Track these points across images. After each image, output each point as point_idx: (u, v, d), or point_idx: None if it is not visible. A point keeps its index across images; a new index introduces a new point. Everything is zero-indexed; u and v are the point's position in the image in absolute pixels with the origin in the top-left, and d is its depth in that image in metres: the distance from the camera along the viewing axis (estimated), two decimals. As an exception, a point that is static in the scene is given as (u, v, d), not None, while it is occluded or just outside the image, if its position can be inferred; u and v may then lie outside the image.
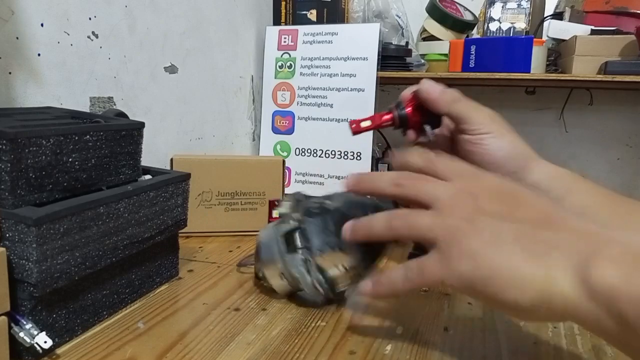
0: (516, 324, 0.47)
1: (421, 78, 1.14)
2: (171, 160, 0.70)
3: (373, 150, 1.05)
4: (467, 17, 1.17)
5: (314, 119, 1.08)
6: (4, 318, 0.35)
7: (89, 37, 0.66)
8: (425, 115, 0.46)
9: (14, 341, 0.36)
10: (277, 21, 1.17)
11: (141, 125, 0.50)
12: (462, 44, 1.04)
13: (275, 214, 0.47)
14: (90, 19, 0.66)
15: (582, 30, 1.03)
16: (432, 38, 1.17)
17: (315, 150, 1.08)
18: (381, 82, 1.03)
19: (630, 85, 0.97)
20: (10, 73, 0.55)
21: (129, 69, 0.74)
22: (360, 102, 1.03)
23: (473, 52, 1.03)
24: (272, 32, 1.11)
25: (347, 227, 0.40)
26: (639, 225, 0.43)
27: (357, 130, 0.50)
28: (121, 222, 0.44)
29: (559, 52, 1.13)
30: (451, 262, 0.33)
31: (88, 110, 0.66)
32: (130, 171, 0.49)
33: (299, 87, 1.09)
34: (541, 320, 0.34)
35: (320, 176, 1.07)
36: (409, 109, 0.47)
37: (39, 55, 0.59)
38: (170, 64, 0.84)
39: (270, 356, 0.40)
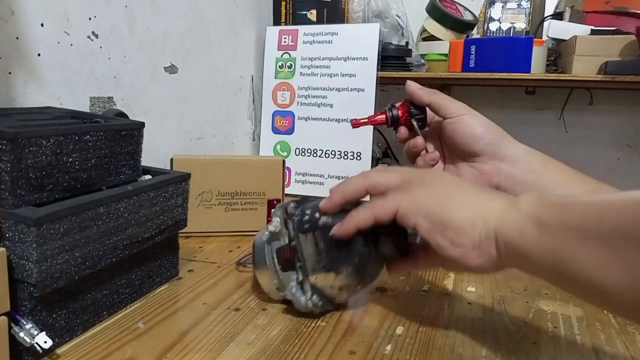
0: (516, 324, 0.47)
1: (421, 78, 1.13)
2: (171, 160, 0.70)
3: (373, 150, 1.05)
4: (467, 17, 1.17)
5: (314, 119, 1.08)
6: (4, 318, 0.35)
7: (89, 37, 0.66)
8: (413, 113, 0.54)
9: (14, 341, 0.36)
10: (277, 21, 1.17)
11: (141, 125, 0.50)
12: (462, 44, 1.04)
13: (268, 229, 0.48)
14: (90, 19, 0.66)
15: (582, 30, 1.03)
16: (432, 38, 1.17)
17: (315, 150, 1.08)
18: (381, 82, 1.03)
19: (630, 85, 0.97)
20: (10, 73, 0.55)
21: (129, 69, 0.74)
22: (360, 102, 1.03)
23: (473, 52, 1.03)
24: (272, 32, 1.11)
25: (335, 230, 0.44)
26: None
27: (356, 124, 0.57)
28: (121, 222, 0.44)
29: (559, 52, 1.13)
30: (409, 190, 0.42)
31: (88, 110, 0.66)
32: (130, 171, 0.49)
33: (299, 87, 1.09)
34: (476, 259, 0.39)
35: (320, 176, 1.07)
36: (399, 110, 0.55)
37: (39, 55, 0.59)
38: (170, 64, 0.84)
39: (270, 356, 0.40)
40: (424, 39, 1.20)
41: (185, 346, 0.41)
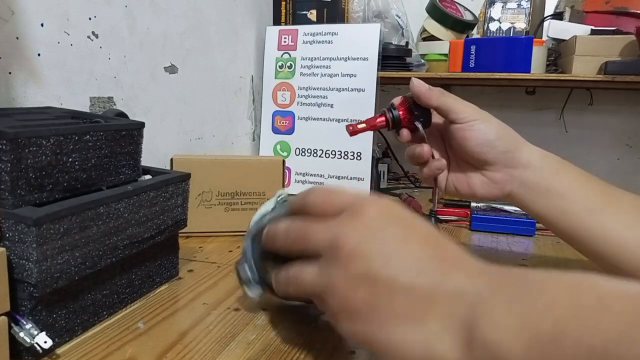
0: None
1: (421, 78, 1.14)
2: (171, 160, 0.70)
3: (373, 150, 1.05)
4: (467, 17, 1.17)
5: (314, 119, 1.08)
6: (4, 318, 0.35)
7: (89, 37, 0.66)
8: (415, 114, 0.50)
9: (14, 341, 0.36)
10: (277, 21, 1.17)
11: (141, 125, 0.50)
12: (462, 44, 1.04)
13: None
14: (90, 19, 0.66)
15: (582, 30, 1.03)
16: (432, 38, 1.17)
17: (315, 150, 1.08)
18: (381, 82, 1.03)
19: (630, 85, 0.97)
20: (10, 73, 0.55)
21: (129, 69, 0.74)
22: (360, 102, 1.03)
23: (473, 52, 1.03)
24: (272, 32, 1.11)
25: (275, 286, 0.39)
26: (619, 209, 0.46)
27: (354, 132, 0.52)
28: (121, 222, 0.44)
29: (559, 52, 1.13)
30: (337, 320, 0.32)
31: (88, 110, 0.66)
32: (130, 171, 0.49)
33: (299, 87, 1.09)
34: None
35: (320, 176, 1.07)
36: (400, 111, 0.51)
37: (39, 55, 0.59)
38: (170, 64, 0.84)
39: (270, 356, 0.40)
40: (424, 39, 1.20)
41: (185, 346, 0.41)
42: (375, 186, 1.10)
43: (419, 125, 0.50)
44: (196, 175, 0.62)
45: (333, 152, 1.06)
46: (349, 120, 1.04)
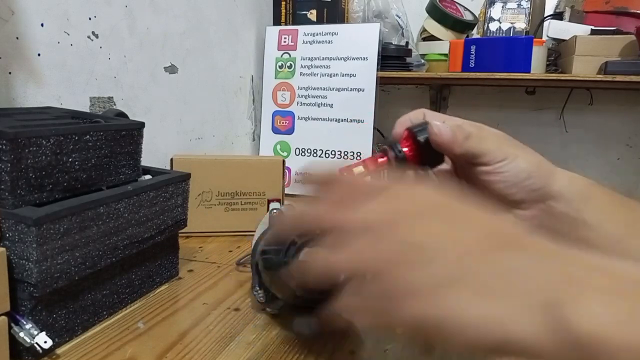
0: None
1: (421, 78, 1.12)
2: (171, 160, 0.70)
3: (373, 150, 1.05)
4: (467, 17, 1.17)
5: (314, 119, 1.08)
6: (4, 318, 0.35)
7: (89, 37, 0.66)
8: (424, 153, 0.41)
9: (14, 341, 0.36)
10: (277, 21, 1.17)
11: (141, 125, 0.50)
12: (462, 44, 1.04)
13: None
14: (90, 19, 0.66)
15: (582, 30, 1.03)
16: (432, 38, 1.17)
17: (315, 150, 1.07)
18: (381, 82, 1.03)
19: (630, 85, 0.97)
20: (10, 73, 0.55)
21: (129, 69, 0.74)
22: (360, 102, 1.03)
23: (473, 52, 1.03)
24: (272, 32, 1.11)
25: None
26: None
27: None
28: (121, 222, 0.44)
29: (559, 52, 1.13)
30: (394, 303, 0.27)
31: (88, 110, 0.66)
32: (130, 171, 0.49)
33: (299, 87, 1.09)
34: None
35: (320, 176, 1.07)
36: (406, 149, 0.41)
37: (39, 55, 0.59)
38: (170, 64, 0.84)
39: (271, 356, 0.40)
40: (424, 39, 1.20)
41: (185, 346, 0.41)
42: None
43: (429, 170, 0.43)
44: (196, 175, 0.62)
45: (333, 152, 1.06)
46: (348, 120, 1.05)
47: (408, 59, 1.13)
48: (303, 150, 1.08)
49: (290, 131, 1.10)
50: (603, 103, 1.25)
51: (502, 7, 1.14)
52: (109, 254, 0.43)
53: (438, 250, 0.27)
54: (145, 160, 0.52)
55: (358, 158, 1.04)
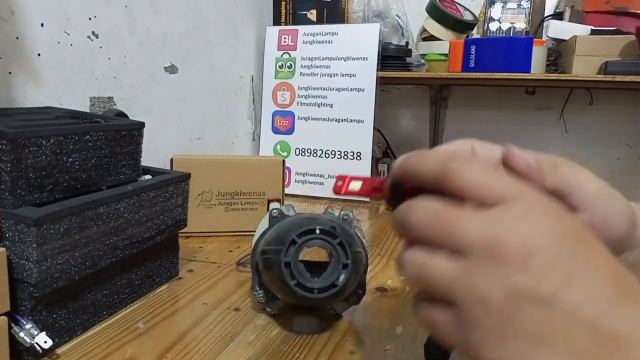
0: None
1: (421, 78, 1.12)
2: (171, 160, 0.70)
3: (373, 150, 1.05)
4: (467, 17, 1.17)
5: (314, 119, 1.08)
6: (4, 318, 0.35)
7: (89, 37, 0.66)
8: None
9: (14, 341, 0.36)
10: (277, 21, 1.17)
11: (141, 125, 0.50)
12: (462, 44, 1.04)
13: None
14: (90, 19, 0.66)
15: (582, 30, 1.03)
16: (432, 38, 1.17)
17: (315, 150, 1.08)
18: (381, 82, 1.03)
19: (630, 85, 0.97)
20: (10, 73, 0.55)
21: (129, 69, 0.74)
22: (360, 102, 1.03)
23: (473, 52, 1.03)
24: (272, 32, 1.11)
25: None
26: None
27: (338, 190, 0.39)
28: (121, 222, 0.44)
29: (559, 52, 1.13)
30: (471, 343, 0.24)
31: (88, 110, 0.66)
32: (130, 171, 0.49)
33: (299, 87, 1.09)
34: None
35: (320, 176, 1.07)
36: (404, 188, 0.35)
37: (39, 55, 0.59)
38: (170, 64, 0.84)
39: (270, 356, 0.40)
40: (424, 39, 1.20)
41: (185, 346, 0.41)
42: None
43: None
44: (196, 175, 0.62)
45: (333, 152, 1.06)
46: (348, 120, 1.05)
47: (408, 59, 1.13)
48: (303, 150, 1.09)
49: (290, 131, 1.10)
50: (603, 103, 1.25)
51: (502, 7, 1.14)
52: (109, 254, 0.43)
53: (551, 304, 0.23)
54: (145, 160, 0.52)
55: (358, 158, 1.04)
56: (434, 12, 1.15)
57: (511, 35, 1.14)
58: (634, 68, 0.92)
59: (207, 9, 0.94)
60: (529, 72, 0.99)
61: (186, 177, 0.54)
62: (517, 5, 1.13)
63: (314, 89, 1.07)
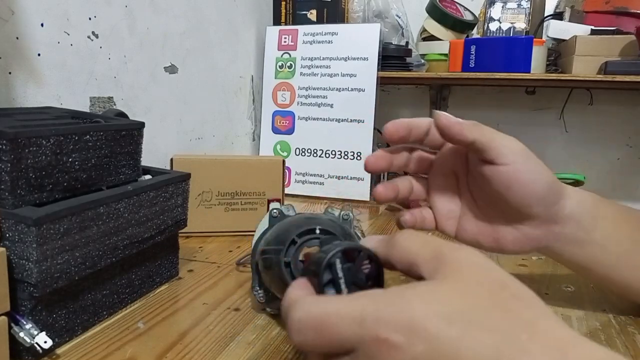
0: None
1: (421, 78, 1.12)
2: (171, 160, 0.70)
3: (373, 150, 1.05)
4: (467, 17, 1.17)
5: (314, 119, 1.08)
6: (4, 318, 0.35)
7: (89, 37, 0.66)
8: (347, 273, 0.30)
9: (14, 341, 0.36)
10: (277, 21, 1.17)
11: (141, 125, 0.50)
12: (462, 44, 1.04)
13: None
14: (90, 19, 0.66)
15: (582, 30, 1.03)
16: (432, 38, 1.17)
17: (315, 150, 1.08)
18: (381, 82, 1.03)
19: (630, 85, 0.97)
20: (10, 73, 0.55)
21: (129, 69, 0.74)
22: (360, 102, 1.03)
23: (473, 52, 1.03)
24: (272, 32, 1.11)
25: None
26: None
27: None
28: (121, 222, 0.44)
29: (559, 52, 1.13)
30: None
31: (88, 110, 0.66)
32: (130, 171, 0.49)
33: (299, 87, 1.09)
34: None
35: (320, 176, 1.07)
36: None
37: (39, 55, 0.59)
38: (170, 64, 0.84)
39: (271, 356, 0.40)
40: (424, 39, 1.20)
41: (185, 346, 0.41)
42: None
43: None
44: (196, 175, 0.62)
45: (333, 152, 1.06)
46: (348, 120, 1.05)
47: (408, 59, 1.13)
48: (303, 150, 1.09)
49: (290, 131, 1.10)
50: (603, 103, 1.25)
51: (502, 7, 1.14)
52: (109, 254, 0.43)
53: None
54: (145, 160, 0.52)
55: (358, 158, 1.04)
56: (434, 12, 1.15)
57: (511, 35, 1.14)
58: (634, 68, 0.92)
59: (207, 9, 0.94)
60: (529, 72, 0.99)
61: (186, 177, 0.54)
62: (517, 5, 1.13)
63: (314, 89, 1.07)
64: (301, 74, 1.09)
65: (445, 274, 0.25)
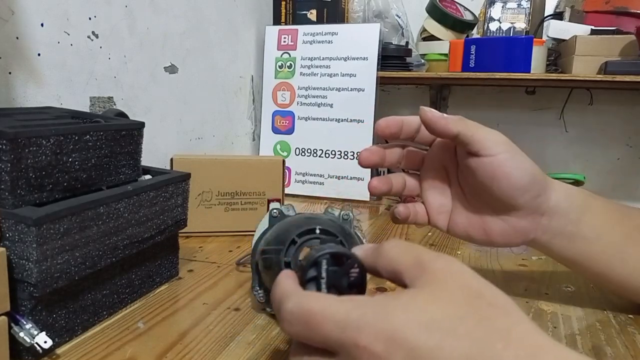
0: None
1: (421, 78, 1.12)
2: (171, 160, 0.70)
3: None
4: (467, 17, 1.17)
5: (314, 118, 1.08)
6: (4, 318, 0.35)
7: (89, 37, 0.66)
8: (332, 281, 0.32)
9: (14, 341, 0.36)
10: (277, 21, 1.17)
11: (141, 125, 0.50)
12: (462, 44, 1.04)
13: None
14: (90, 19, 0.66)
15: (582, 30, 1.03)
16: (432, 38, 1.17)
17: (315, 150, 1.08)
18: (381, 82, 1.03)
19: (630, 85, 0.97)
20: (10, 73, 0.55)
21: (129, 69, 0.74)
22: (360, 102, 1.03)
23: (473, 52, 1.03)
24: (272, 32, 1.11)
25: None
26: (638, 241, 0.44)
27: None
28: (121, 222, 0.44)
29: (559, 52, 1.13)
30: None
31: (88, 110, 0.66)
32: (130, 171, 0.49)
33: (299, 87, 1.09)
34: None
35: (320, 176, 1.07)
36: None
37: (39, 55, 0.59)
38: (170, 64, 0.84)
39: (271, 356, 0.40)
40: (424, 39, 1.20)
41: (185, 346, 0.41)
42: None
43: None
44: (196, 175, 0.62)
45: (333, 152, 1.06)
46: (348, 120, 1.05)
47: (408, 59, 1.13)
48: (303, 150, 1.09)
49: (290, 131, 1.10)
50: (603, 103, 1.25)
51: (502, 7, 1.14)
52: (109, 254, 0.43)
53: None
54: (145, 160, 0.52)
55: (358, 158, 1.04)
56: (434, 12, 1.15)
57: (511, 35, 1.14)
58: (634, 68, 0.92)
59: (207, 9, 0.94)
60: (529, 72, 0.99)
61: (186, 177, 0.54)
62: (517, 5, 1.13)
63: (314, 88, 1.07)
64: (301, 74, 1.09)
65: (424, 282, 0.26)
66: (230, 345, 0.42)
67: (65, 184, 0.42)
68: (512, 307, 0.26)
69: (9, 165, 0.36)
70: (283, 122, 1.11)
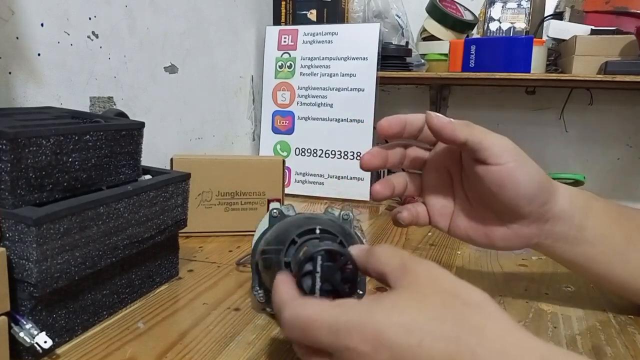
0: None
1: (421, 78, 1.12)
2: (171, 160, 0.70)
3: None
4: (467, 17, 1.17)
5: (314, 118, 1.08)
6: (4, 318, 0.35)
7: (89, 37, 0.66)
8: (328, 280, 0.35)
9: (14, 341, 0.36)
10: (277, 21, 1.17)
11: (141, 125, 0.50)
12: (462, 44, 1.04)
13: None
14: (90, 19, 0.66)
15: (582, 30, 1.03)
16: (432, 38, 1.17)
17: (315, 150, 1.08)
18: (381, 82, 1.03)
19: (630, 85, 0.97)
20: (10, 73, 0.55)
21: (129, 69, 0.74)
22: (360, 102, 1.03)
23: (473, 52, 1.03)
24: (272, 32, 1.11)
25: None
26: None
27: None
28: (121, 222, 0.44)
29: (559, 52, 1.13)
30: None
31: (88, 110, 0.66)
32: (130, 171, 0.49)
33: (299, 87, 1.09)
34: None
35: (320, 176, 1.07)
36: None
37: (39, 55, 0.59)
38: (170, 64, 0.84)
39: (271, 356, 0.40)
40: (424, 39, 1.20)
41: (185, 346, 0.41)
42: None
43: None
44: (196, 175, 0.62)
45: (333, 152, 1.06)
46: (348, 120, 1.05)
47: (408, 59, 1.13)
48: (303, 150, 1.09)
49: (290, 131, 1.10)
50: (603, 103, 1.25)
51: (502, 7, 1.14)
52: (109, 254, 0.43)
53: None
54: (145, 160, 0.52)
55: (358, 158, 1.04)
56: (434, 12, 1.15)
57: (511, 35, 1.14)
58: (634, 68, 0.92)
59: (207, 9, 0.94)
60: (529, 72, 0.99)
61: (186, 177, 0.54)
62: (517, 5, 1.13)
63: (314, 88, 1.07)
64: (301, 74, 1.09)
65: (406, 284, 0.29)
66: (230, 345, 0.42)
67: (65, 184, 0.42)
68: (487, 305, 0.27)
69: (9, 165, 0.36)
70: (283, 122, 1.11)
